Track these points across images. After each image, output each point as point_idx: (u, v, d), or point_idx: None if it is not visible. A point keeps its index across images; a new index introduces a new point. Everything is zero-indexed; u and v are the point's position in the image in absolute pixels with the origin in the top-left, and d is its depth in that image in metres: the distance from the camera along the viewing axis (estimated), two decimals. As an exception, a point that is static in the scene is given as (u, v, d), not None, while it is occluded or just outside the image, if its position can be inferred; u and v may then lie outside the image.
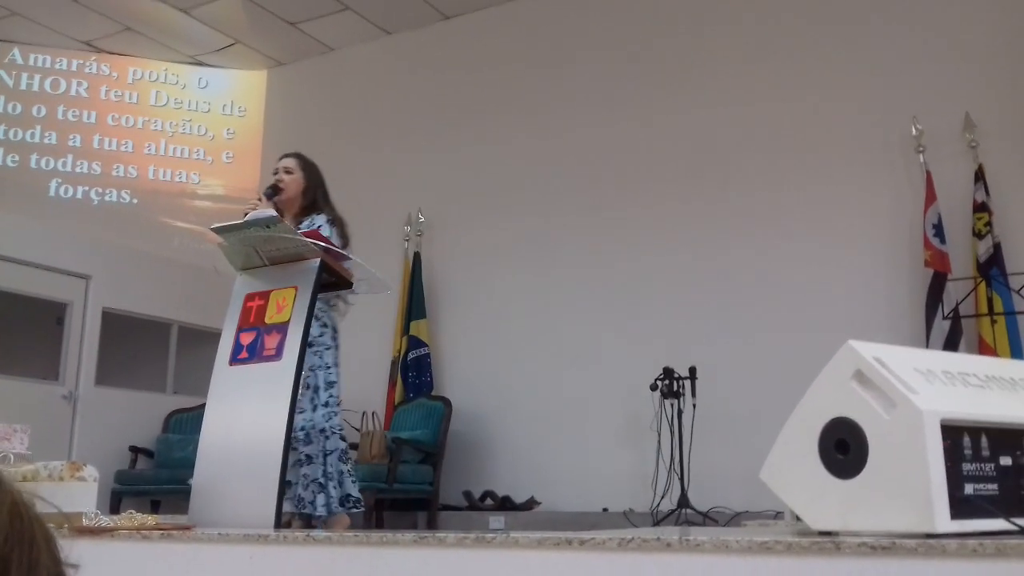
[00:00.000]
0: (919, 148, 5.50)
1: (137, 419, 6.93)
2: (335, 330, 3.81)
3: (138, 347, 7.23)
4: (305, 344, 3.06)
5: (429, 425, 6.19)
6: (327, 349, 3.70)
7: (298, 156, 4.08)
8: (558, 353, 6.37)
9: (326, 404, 3.62)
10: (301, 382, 3.52)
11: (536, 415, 6.33)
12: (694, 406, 5.36)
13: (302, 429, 3.53)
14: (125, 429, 6.84)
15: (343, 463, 3.66)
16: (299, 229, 3.58)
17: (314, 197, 3.96)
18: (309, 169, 4.03)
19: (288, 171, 3.96)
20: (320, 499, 3.53)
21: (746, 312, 5.81)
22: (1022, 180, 5.29)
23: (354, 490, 3.69)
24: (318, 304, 3.70)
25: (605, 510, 5.66)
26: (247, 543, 2.25)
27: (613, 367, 6.08)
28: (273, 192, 3.85)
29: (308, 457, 3.57)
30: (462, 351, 6.82)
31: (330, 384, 3.66)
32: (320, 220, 3.84)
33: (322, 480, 3.55)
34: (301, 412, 3.52)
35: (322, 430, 3.60)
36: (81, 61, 8.07)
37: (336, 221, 3.91)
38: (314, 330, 3.63)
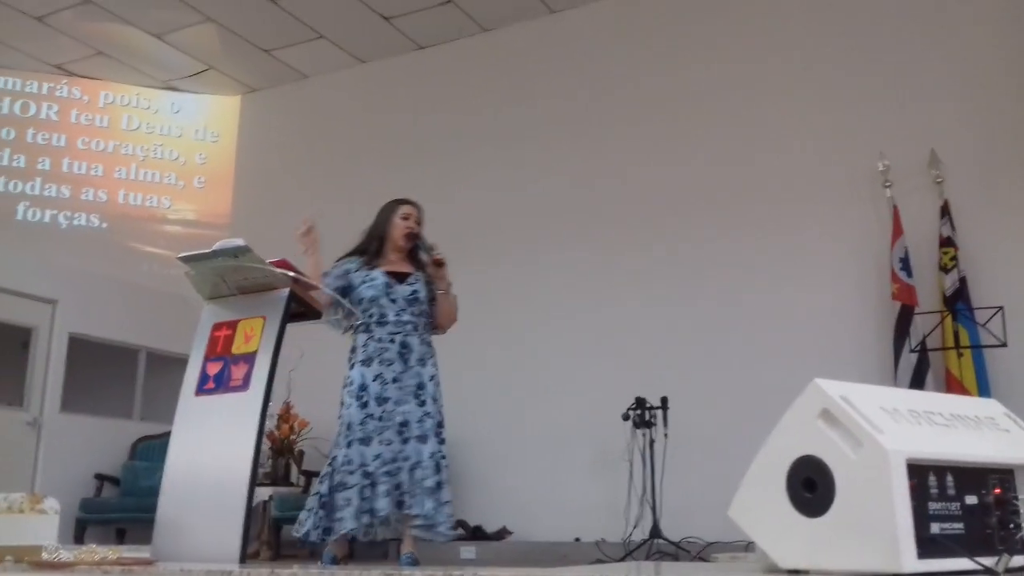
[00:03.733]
0: (886, 183, 5.57)
1: (103, 446, 6.83)
2: None
3: (105, 373, 7.13)
4: (274, 374, 3.03)
5: (400, 454, 6.13)
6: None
7: (418, 206, 4.13)
8: (531, 383, 6.35)
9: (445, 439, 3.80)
10: (429, 416, 3.71)
11: (508, 444, 6.30)
12: (666, 436, 5.36)
13: (431, 456, 3.67)
14: (91, 456, 6.74)
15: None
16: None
17: (420, 246, 4.02)
18: (421, 223, 4.10)
19: (418, 221, 4.05)
20: (450, 522, 3.71)
21: (717, 344, 5.84)
22: (987, 215, 5.37)
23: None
24: (430, 338, 3.89)
25: (577, 540, 5.63)
26: (210, 579, 2.21)
27: (586, 397, 6.08)
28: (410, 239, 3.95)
29: (439, 484, 3.67)
30: (434, 379, 6.78)
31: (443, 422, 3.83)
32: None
33: (450, 502, 3.72)
34: (443, 443, 3.74)
35: (444, 456, 3.75)
36: (52, 84, 8.01)
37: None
38: (438, 370, 3.83)
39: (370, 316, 3.79)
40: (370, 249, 3.96)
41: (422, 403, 3.74)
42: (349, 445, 3.62)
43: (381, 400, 3.69)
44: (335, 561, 3.65)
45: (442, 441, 3.76)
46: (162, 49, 7.59)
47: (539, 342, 6.42)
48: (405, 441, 3.67)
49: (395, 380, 3.72)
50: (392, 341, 3.77)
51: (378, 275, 3.86)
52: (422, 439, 3.69)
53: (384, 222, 4.02)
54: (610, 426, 5.55)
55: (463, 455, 6.45)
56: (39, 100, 7.95)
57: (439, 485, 3.66)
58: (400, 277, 3.88)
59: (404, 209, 4.03)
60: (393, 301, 3.81)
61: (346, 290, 3.84)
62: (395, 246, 3.94)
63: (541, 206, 6.68)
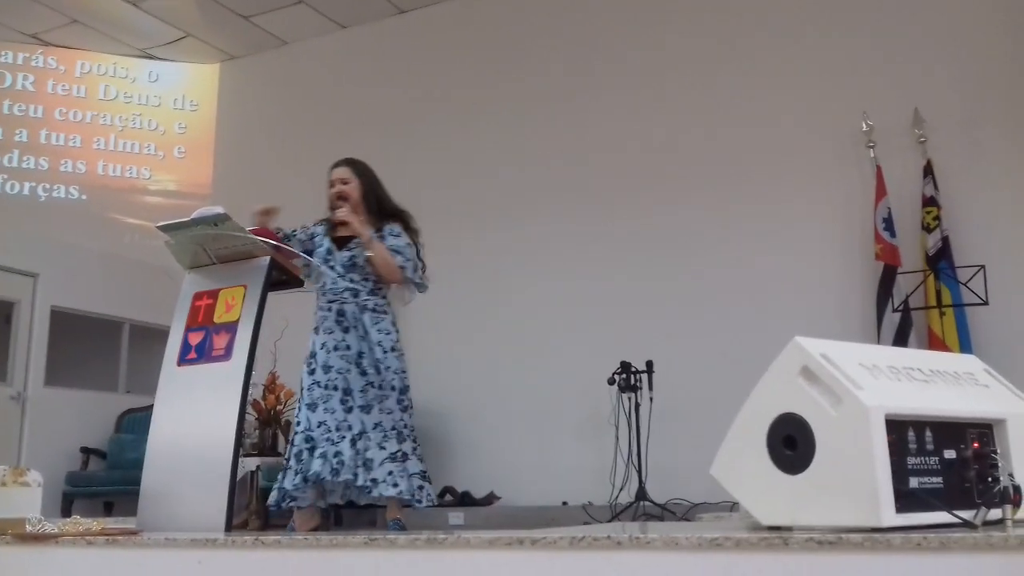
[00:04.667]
0: (869, 143, 5.57)
1: (88, 419, 6.81)
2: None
3: (88, 346, 7.09)
4: (256, 344, 3.02)
5: (387, 422, 6.14)
6: (401, 355, 3.77)
7: (350, 162, 3.97)
8: (517, 348, 6.36)
9: (410, 406, 3.75)
10: (386, 383, 3.63)
11: (495, 409, 6.32)
12: (651, 399, 5.39)
13: (393, 428, 3.62)
14: (76, 430, 6.72)
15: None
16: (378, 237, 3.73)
17: (376, 200, 3.89)
18: (364, 174, 3.94)
19: (344, 181, 3.87)
20: (427, 490, 3.68)
21: (701, 306, 5.85)
22: (970, 175, 5.38)
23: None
24: (384, 303, 3.77)
25: (565, 504, 5.67)
26: (195, 548, 2.21)
27: (571, 361, 6.09)
28: (337, 207, 3.82)
29: (404, 454, 3.64)
30: (421, 346, 6.76)
31: (407, 387, 3.75)
32: (397, 229, 3.84)
33: (423, 472, 3.69)
34: (390, 413, 3.64)
35: (412, 428, 3.72)
36: (27, 54, 7.89)
37: (408, 227, 3.90)
38: (392, 334, 3.72)
39: (320, 284, 3.78)
40: (331, 215, 3.93)
41: (363, 372, 3.67)
42: (299, 410, 3.65)
43: (326, 368, 3.66)
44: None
45: (404, 409, 3.69)
46: (139, 16, 7.46)
47: (525, 308, 6.41)
48: (349, 410, 3.63)
49: (335, 348, 3.68)
50: (329, 309, 3.73)
51: (324, 242, 3.83)
52: (365, 409, 3.64)
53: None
54: (596, 390, 5.58)
55: (451, 421, 6.48)
56: (14, 71, 7.83)
57: (401, 456, 3.62)
58: (342, 242, 3.82)
59: (331, 175, 3.95)
60: (332, 268, 3.76)
61: (310, 253, 3.81)
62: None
63: (526, 174, 6.64)
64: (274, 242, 3.18)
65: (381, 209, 3.90)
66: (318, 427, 3.59)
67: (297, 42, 7.88)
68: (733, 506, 3.54)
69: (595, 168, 6.42)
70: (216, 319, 3.07)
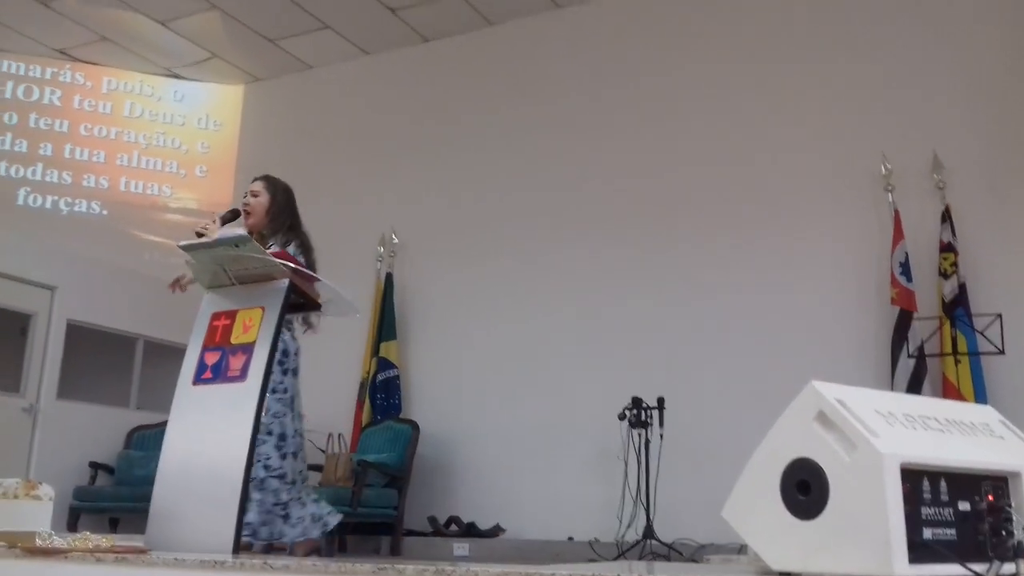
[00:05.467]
0: (888, 186, 5.57)
1: (98, 434, 6.82)
2: (296, 354, 3.78)
3: (102, 361, 7.12)
4: (271, 366, 3.03)
5: (396, 448, 6.15)
6: (285, 395, 3.67)
7: (267, 179, 4.01)
8: (527, 380, 6.36)
9: (292, 454, 3.66)
10: (263, 427, 3.47)
11: (504, 441, 6.30)
12: (661, 436, 5.37)
13: (266, 468, 3.56)
14: (86, 444, 6.73)
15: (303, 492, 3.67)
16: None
17: (283, 222, 3.87)
18: (279, 193, 3.95)
19: (255, 194, 3.90)
20: (324, 520, 3.68)
21: (715, 345, 5.84)
22: (988, 221, 5.37)
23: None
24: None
25: (570, 539, 5.63)
26: (204, 569, 2.21)
27: (582, 395, 6.08)
28: (232, 216, 3.78)
29: (284, 505, 3.60)
30: (432, 374, 6.79)
31: (290, 433, 3.67)
32: (293, 249, 3.79)
33: (315, 514, 3.65)
34: (268, 459, 3.57)
35: (300, 472, 3.68)
36: (55, 69, 8.01)
37: (303, 247, 3.83)
38: (274, 373, 3.58)
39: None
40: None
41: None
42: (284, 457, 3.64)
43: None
44: None
45: (284, 457, 3.66)
46: (167, 36, 7.58)
47: (537, 340, 6.41)
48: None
49: None
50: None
51: None
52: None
53: None
54: (606, 425, 5.56)
55: (459, 451, 6.46)
56: (42, 85, 7.94)
57: (281, 508, 3.61)
58: None
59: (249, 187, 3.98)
60: None
61: None
62: None
63: (541, 203, 6.68)
64: (293, 265, 3.19)
65: (289, 227, 3.88)
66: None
67: (321, 66, 7.97)
68: (741, 548, 3.51)
69: (610, 200, 6.45)
70: (233, 340, 3.08)
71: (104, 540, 2.43)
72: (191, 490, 2.92)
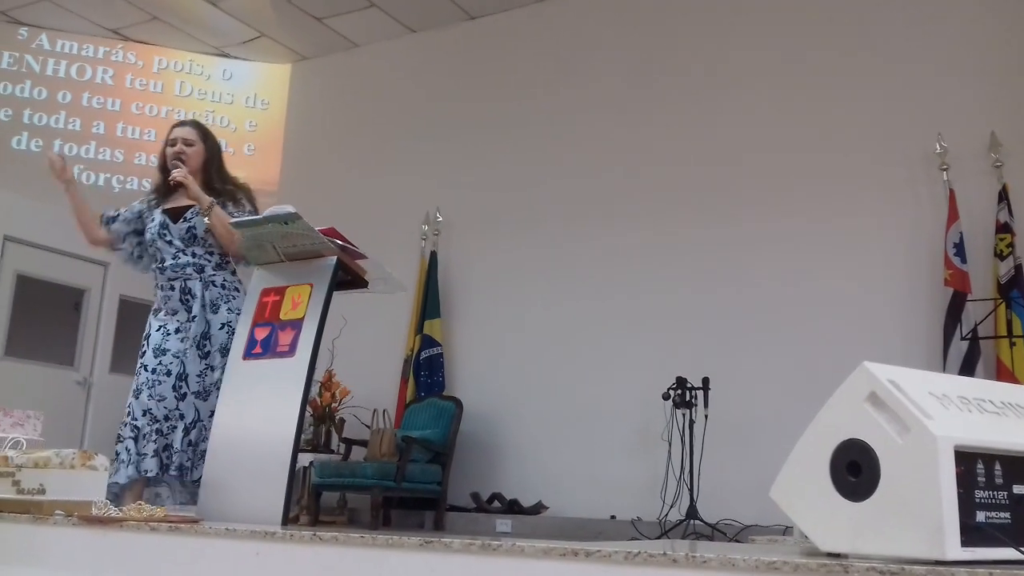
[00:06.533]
0: (943, 166, 5.45)
1: (149, 407, 6.95)
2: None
3: (153, 335, 7.25)
4: (319, 342, 3.06)
5: (439, 425, 6.19)
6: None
7: (197, 126, 3.75)
8: (572, 358, 6.36)
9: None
10: (213, 369, 3.41)
11: (547, 419, 6.32)
12: (706, 417, 5.34)
13: (216, 386, 3.35)
14: (137, 417, 6.86)
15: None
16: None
17: (217, 171, 3.66)
18: (209, 140, 3.71)
19: (188, 143, 3.63)
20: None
21: (762, 325, 5.78)
22: (1046, 202, 5.24)
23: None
24: (235, 280, 3.58)
25: (613, 517, 5.64)
26: (254, 539, 2.25)
27: (626, 374, 6.07)
28: (174, 167, 3.56)
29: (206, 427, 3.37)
30: (475, 352, 6.82)
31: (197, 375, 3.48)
32: (241, 197, 3.63)
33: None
34: (207, 400, 3.41)
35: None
36: (107, 48, 8.13)
37: (249, 198, 3.65)
38: (226, 310, 3.50)
39: (157, 261, 3.58)
40: (160, 186, 3.69)
41: (206, 354, 3.45)
42: (131, 396, 3.46)
43: (159, 351, 3.46)
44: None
45: None
46: (216, 15, 7.65)
47: (580, 319, 6.41)
48: (181, 397, 3.40)
49: (178, 331, 3.47)
50: (172, 288, 3.51)
51: (156, 215, 3.59)
52: (201, 395, 3.41)
53: (160, 153, 3.69)
54: (650, 405, 5.55)
55: (502, 428, 6.50)
56: (95, 64, 8.08)
57: None
58: (176, 214, 3.56)
59: (172, 134, 3.66)
60: (169, 243, 3.54)
61: (141, 233, 3.66)
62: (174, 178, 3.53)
63: (587, 184, 6.65)
64: (342, 243, 3.22)
65: (222, 180, 3.66)
66: (143, 415, 3.41)
67: (367, 45, 8.00)
68: (786, 530, 3.49)
69: (659, 182, 6.40)
70: (282, 316, 3.11)
71: (158, 510, 2.49)
72: (241, 463, 2.96)
